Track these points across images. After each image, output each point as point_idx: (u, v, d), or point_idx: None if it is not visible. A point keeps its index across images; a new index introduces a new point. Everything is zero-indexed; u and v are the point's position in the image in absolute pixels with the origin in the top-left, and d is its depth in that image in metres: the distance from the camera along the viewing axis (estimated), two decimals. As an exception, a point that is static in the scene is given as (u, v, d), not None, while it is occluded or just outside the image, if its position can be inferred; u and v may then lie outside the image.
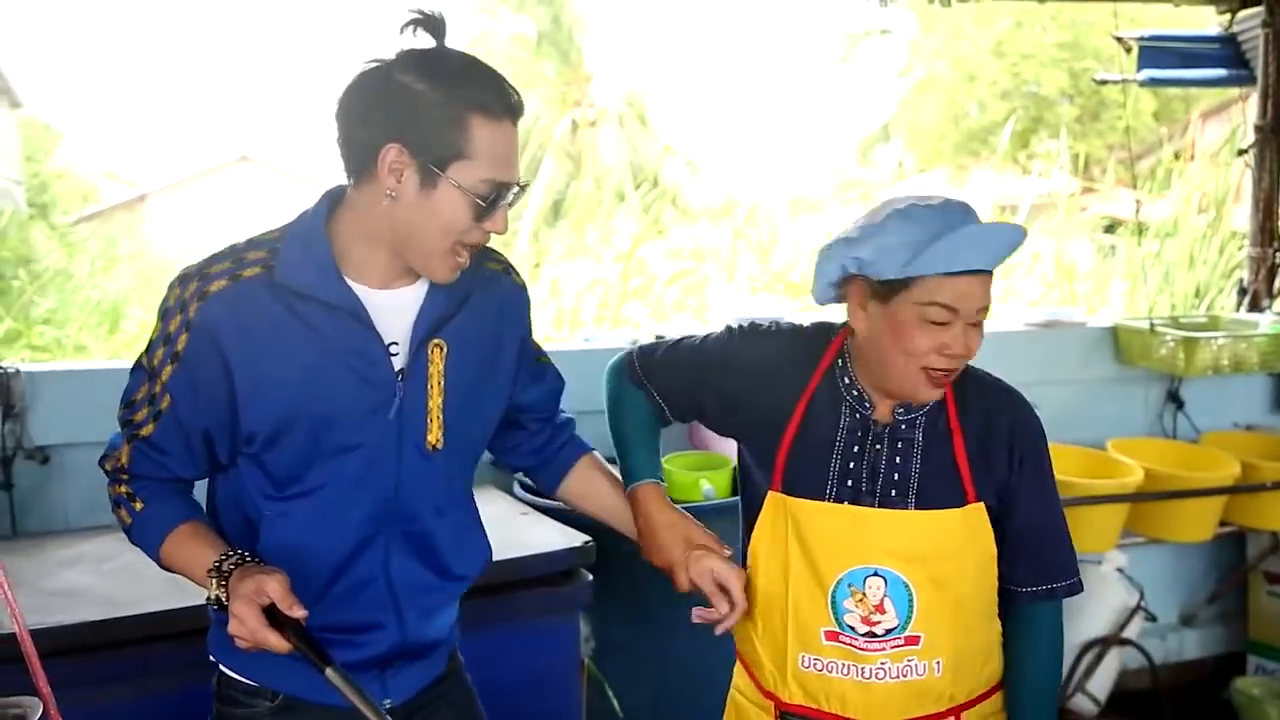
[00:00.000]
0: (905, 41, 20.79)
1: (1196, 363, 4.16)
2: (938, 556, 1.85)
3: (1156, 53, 4.41)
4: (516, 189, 1.68)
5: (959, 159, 18.47)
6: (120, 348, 7.67)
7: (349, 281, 1.70)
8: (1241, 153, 4.71)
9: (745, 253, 9.83)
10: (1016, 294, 8.78)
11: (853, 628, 1.87)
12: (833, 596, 1.87)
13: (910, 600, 1.85)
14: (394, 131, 1.61)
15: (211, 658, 1.86)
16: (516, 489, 3.45)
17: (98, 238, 12.17)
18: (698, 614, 1.91)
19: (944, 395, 1.89)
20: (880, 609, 1.85)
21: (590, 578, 2.94)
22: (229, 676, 1.83)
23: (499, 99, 1.64)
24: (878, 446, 1.88)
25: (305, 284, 1.68)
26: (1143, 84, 4.54)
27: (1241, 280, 4.84)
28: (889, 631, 1.86)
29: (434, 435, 1.77)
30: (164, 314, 1.71)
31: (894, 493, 1.86)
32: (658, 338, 3.80)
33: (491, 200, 1.64)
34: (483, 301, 1.83)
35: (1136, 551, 4.15)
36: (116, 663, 2.44)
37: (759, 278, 9.44)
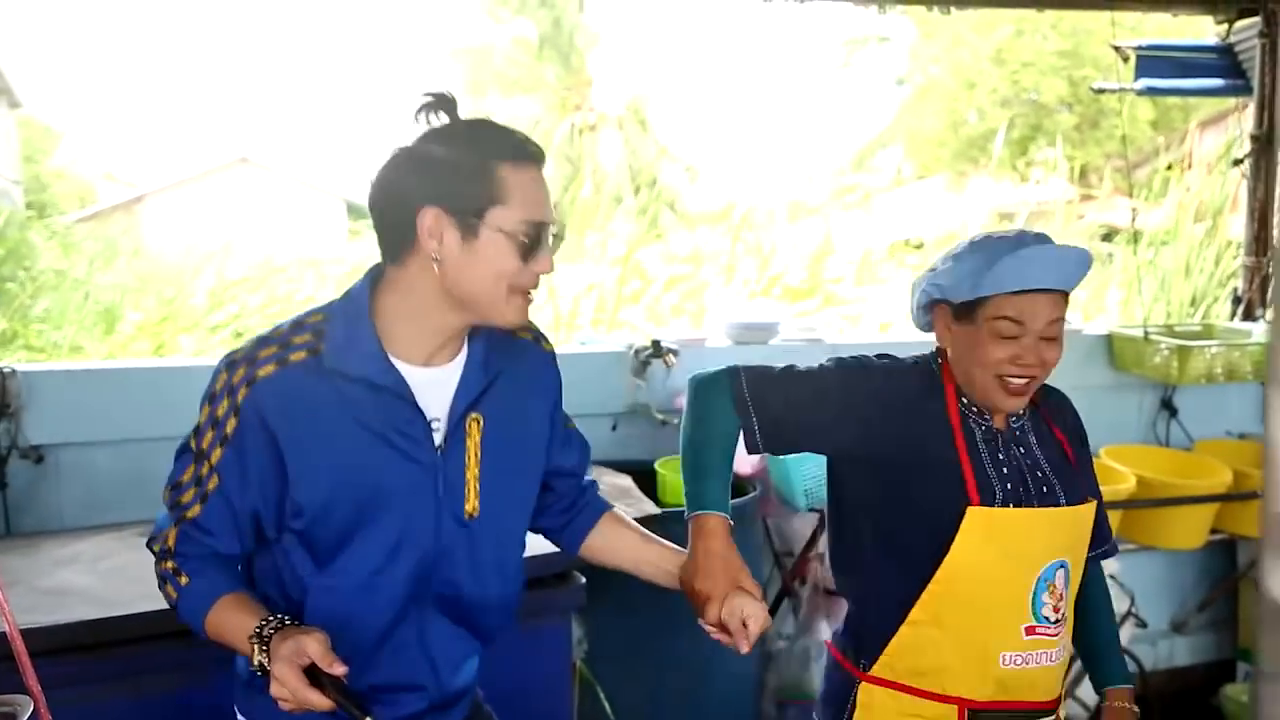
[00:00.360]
0: (905, 48, 20.83)
1: (1190, 371, 4.18)
2: (1081, 544, 2.09)
3: (1154, 62, 4.42)
4: (554, 229, 1.73)
5: (958, 165, 18.48)
6: (116, 348, 7.67)
7: (393, 360, 1.74)
8: (1237, 162, 4.72)
9: (744, 257, 9.84)
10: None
11: (1047, 618, 2.03)
12: (1034, 592, 2.02)
13: (1069, 585, 2.05)
14: (427, 196, 1.67)
15: (240, 717, 1.89)
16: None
17: (95, 238, 12.16)
18: (714, 634, 1.91)
19: (1034, 406, 2.11)
20: (1061, 597, 2.04)
21: (583, 580, 2.95)
22: None
23: (521, 146, 1.70)
24: (1009, 450, 2.07)
25: (353, 368, 1.72)
26: (1140, 93, 4.55)
27: (1236, 289, 4.85)
28: (1063, 615, 2.05)
29: (471, 505, 1.80)
30: (211, 398, 1.74)
31: (1045, 491, 2.05)
32: (654, 342, 3.85)
33: (533, 239, 1.69)
34: (516, 373, 1.87)
35: (1128, 558, 4.16)
36: (110, 662, 2.44)
37: (757, 282, 9.46)
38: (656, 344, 3.84)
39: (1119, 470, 4.05)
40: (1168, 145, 9.95)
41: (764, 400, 2.09)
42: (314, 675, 1.59)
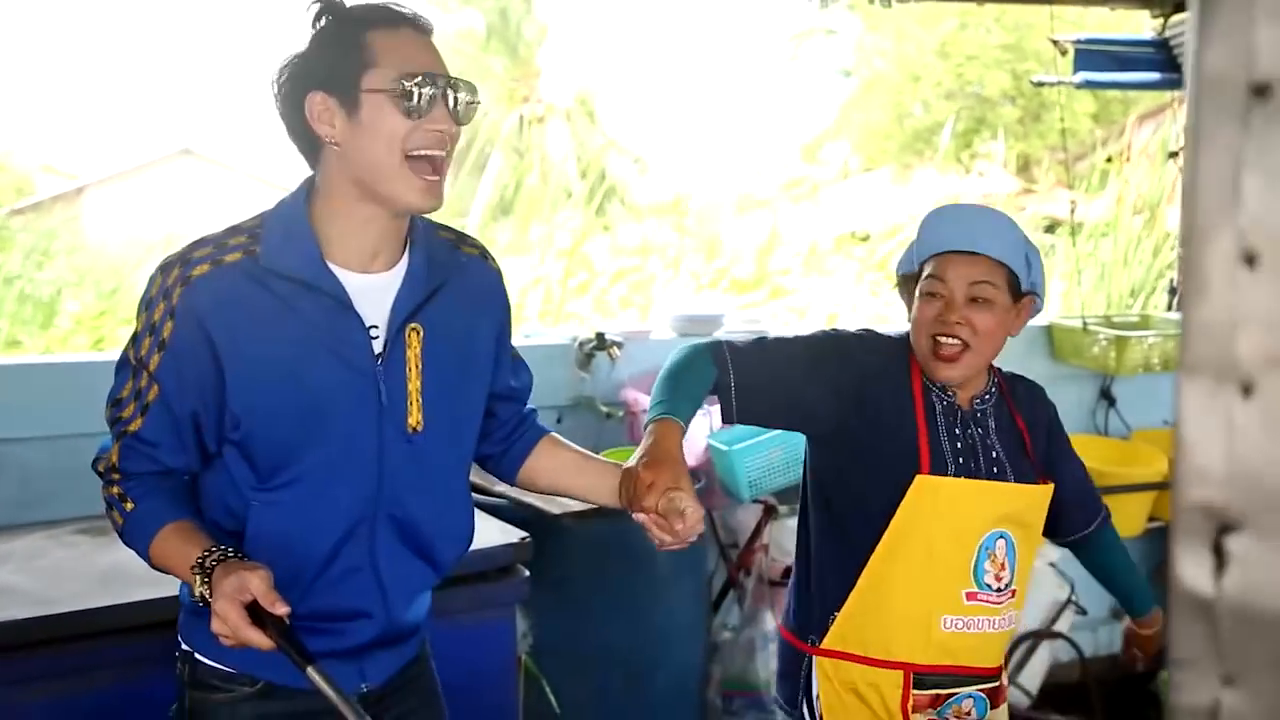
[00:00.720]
0: (851, 42, 20.93)
1: (1127, 361, 4.25)
2: (1029, 523, 2.21)
3: (1092, 55, 4.48)
4: (445, 81, 1.69)
5: (904, 158, 18.60)
6: (55, 342, 7.56)
7: (331, 265, 1.72)
8: (1173, 155, 4.80)
9: (691, 250, 9.86)
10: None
11: (989, 585, 2.16)
12: (976, 559, 2.15)
13: (1014, 558, 2.18)
14: (308, 84, 1.68)
15: (185, 646, 1.86)
16: (455, 485, 3.45)
17: (31, 231, 11.96)
18: (647, 524, 1.85)
19: (1000, 393, 2.25)
20: (1003, 566, 2.16)
21: (527, 574, 2.95)
22: (205, 664, 1.83)
23: (389, 10, 1.70)
24: (969, 428, 2.19)
25: (290, 267, 1.70)
26: (1078, 86, 4.60)
27: (1172, 280, 4.92)
28: (1005, 585, 2.17)
29: (414, 418, 1.78)
30: (147, 304, 1.71)
31: (994, 469, 2.17)
32: (598, 334, 3.85)
33: (415, 94, 1.66)
34: (459, 287, 1.85)
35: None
36: (52, 660, 2.42)
37: (705, 274, 9.47)
38: (600, 336, 3.84)
39: (1059, 459, 4.11)
40: (1106, 139, 10.08)
41: (743, 364, 2.15)
42: (256, 613, 1.57)
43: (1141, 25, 5.06)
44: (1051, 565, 4.02)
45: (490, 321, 1.92)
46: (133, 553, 1.79)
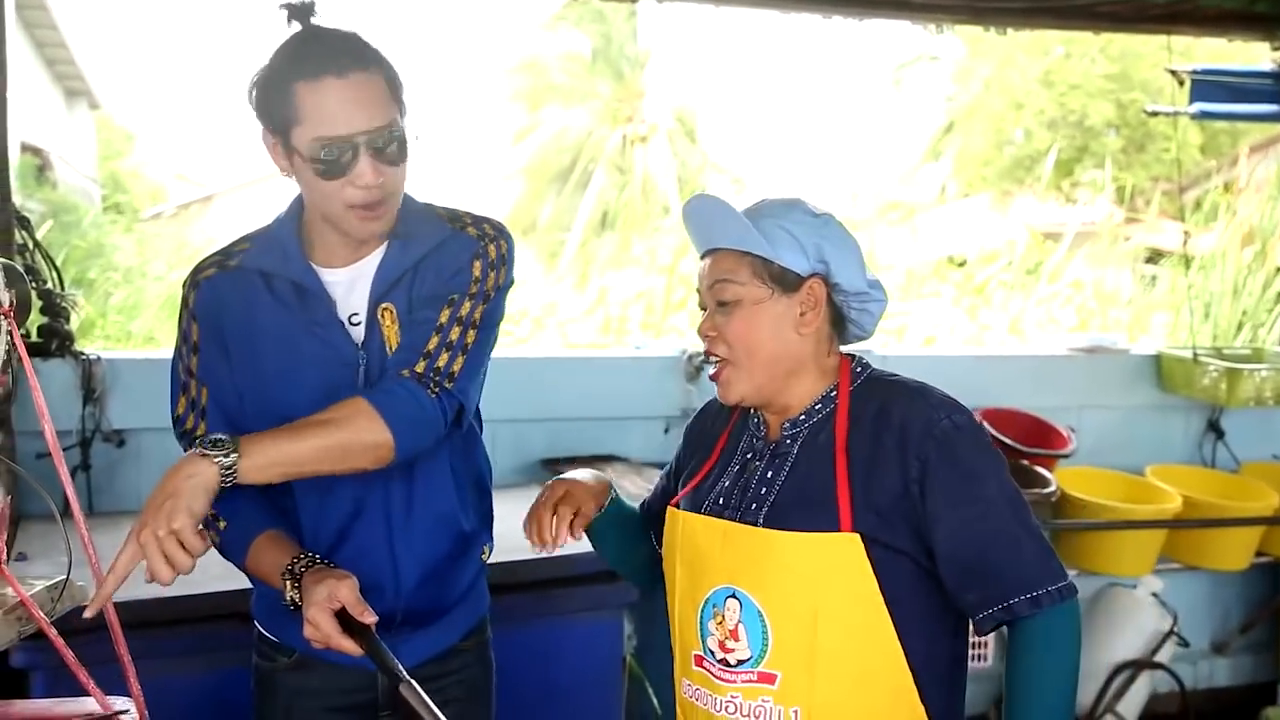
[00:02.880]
0: (954, 68, 20.80)
1: (1239, 394, 4.22)
2: (793, 586, 1.65)
3: (1208, 86, 4.45)
4: (364, 137, 1.67)
5: (1003, 185, 18.43)
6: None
7: (314, 265, 1.82)
8: (1289, 186, 4.74)
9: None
10: (1056, 321, 8.80)
11: (713, 652, 1.73)
12: (700, 615, 1.75)
13: (764, 632, 1.67)
14: (262, 119, 1.74)
15: (253, 616, 2.00)
16: (565, 488, 3.54)
17: (165, 236, 12.39)
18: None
19: (835, 405, 1.75)
20: (734, 635, 1.70)
21: (636, 577, 3.02)
22: (262, 633, 1.98)
23: (315, 58, 1.67)
24: (758, 463, 1.78)
25: (271, 265, 1.82)
26: (1194, 116, 4.58)
27: (1287, 313, 4.86)
28: (741, 663, 1.69)
29: None
30: (179, 318, 1.86)
31: (753, 507, 1.72)
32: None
33: (332, 158, 1.67)
34: (437, 261, 1.84)
35: (1172, 577, 4.19)
36: (181, 639, 2.55)
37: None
38: (710, 350, 3.91)
39: (1165, 490, 4.09)
40: (1218, 169, 9.92)
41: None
42: (345, 619, 1.64)
43: (1258, 56, 5.02)
44: (1154, 595, 4.00)
45: (448, 270, 1.84)
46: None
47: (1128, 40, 16.38)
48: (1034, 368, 4.50)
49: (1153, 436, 4.55)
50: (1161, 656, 3.99)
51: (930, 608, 1.69)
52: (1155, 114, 4.83)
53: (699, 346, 3.92)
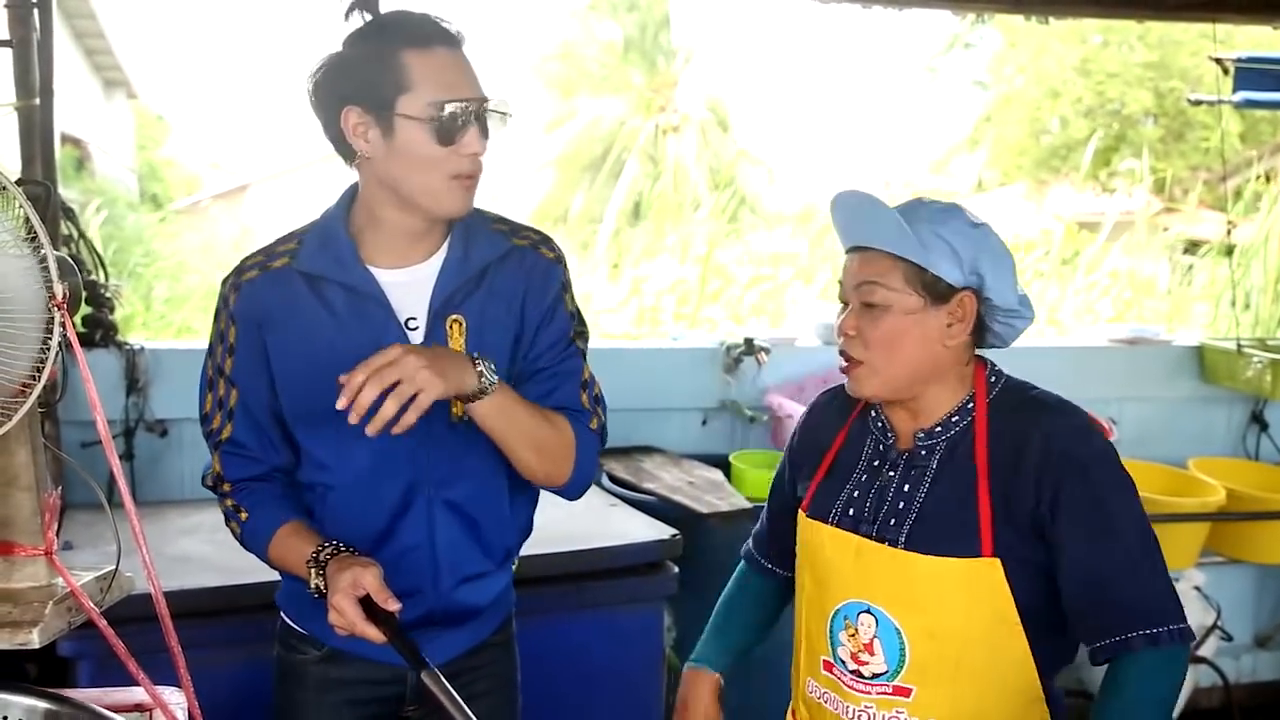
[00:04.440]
0: (989, 56, 20.66)
1: (1284, 385, 4.17)
2: (934, 607, 1.67)
3: (1254, 74, 4.39)
4: (476, 104, 1.70)
5: (1039, 174, 18.30)
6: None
7: (368, 264, 1.80)
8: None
9: (825, 261, 9.87)
10: (1093, 312, 8.74)
11: (844, 662, 1.76)
12: (830, 626, 1.77)
13: (902, 648, 1.69)
14: (345, 97, 1.70)
15: (279, 607, 2.03)
16: (605, 481, 3.55)
17: (198, 227, 12.50)
18: None
19: (973, 419, 1.74)
20: (869, 649, 1.72)
21: (676, 570, 3.02)
22: (288, 624, 2.00)
23: (423, 29, 1.69)
24: (890, 474, 1.76)
25: (323, 269, 1.80)
26: (1238, 105, 4.53)
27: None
28: (876, 676, 1.72)
29: (458, 408, 1.79)
30: (215, 316, 1.86)
31: (891, 523, 1.72)
32: (747, 340, 3.91)
33: (449, 120, 1.68)
34: (506, 277, 1.86)
35: (1215, 571, 4.17)
36: (225, 629, 2.59)
37: (835, 285, 9.42)
38: (749, 342, 3.91)
39: (1208, 483, 4.06)
40: (1259, 157, 9.80)
41: (760, 540, 2.08)
42: (370, 607, 1.65)
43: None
44: (1196, 589, 3.97)
45: (538, 306, 1.89)
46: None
47: (1166, 28, 16.22)
48: (1074, 359, 4.47)
49: (1195, 428, 4.52)
50: (1204, 650, 3.97)
51: (1056, 611, 1.70)
52: (1199, 103, 4.79)
53: (737, 338, 3.97)
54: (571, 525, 2.98)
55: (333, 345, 1.78)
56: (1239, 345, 4.31)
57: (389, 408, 1.60)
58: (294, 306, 1.81)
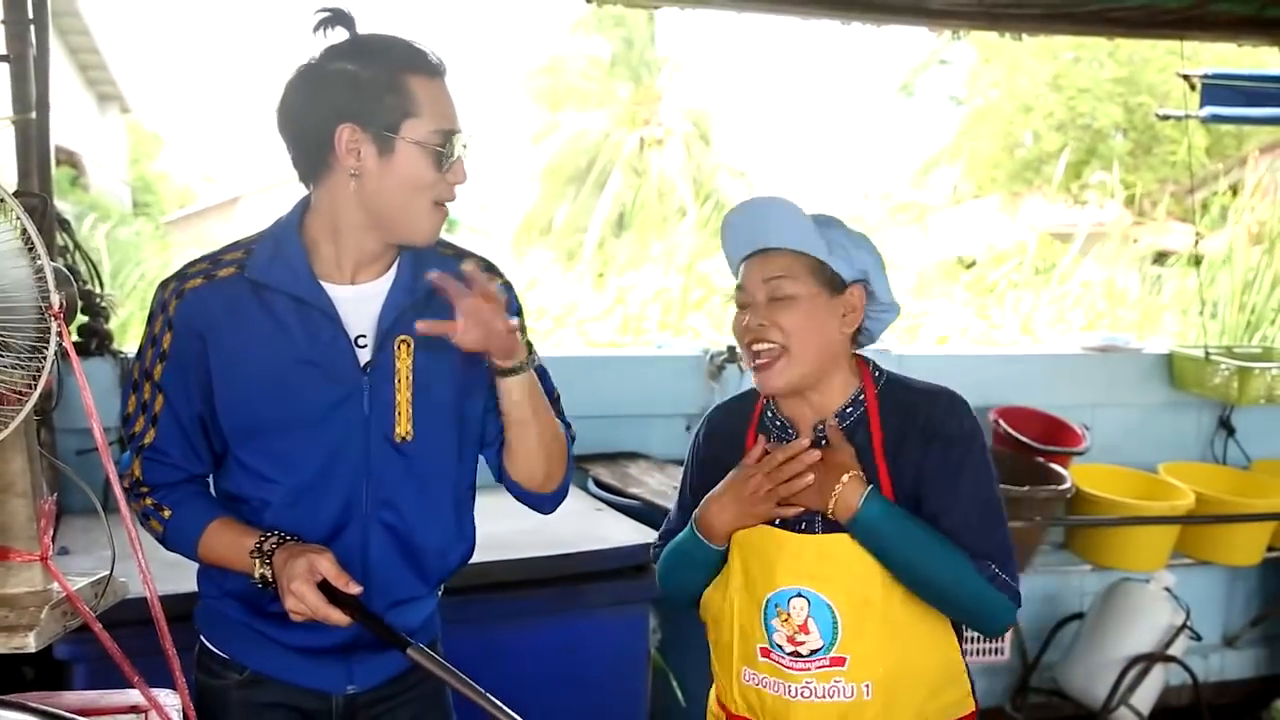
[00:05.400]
0: (963, 72, 20.85)
1: (1250, 391, 4.27)
2: (857, 578, 1.84)
3: (1220, 90, 4.48)
4: (467, 138, 1.75)
5: (1013, 187, 18.47)
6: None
7: (319, 279, 1.78)
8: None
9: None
10: (1065, 321, 8.84)
11: (780, 646, 1.88)
12: (764, 615, 1.89)
13: (834, 621, 1.84)
14: (342, 113, 1.69)
15: (197, 629, 1.95)
16: (590, 485, 3.60)
17: (194, 239, 12.48)
18: None
19: (866, 408, 1.91)
20: (804, 629, 1.86)
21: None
22: (208, 648, 1.93)
23: (426, 58, 1.73)
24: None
25: (276, 280, 1.77)
26: (1205, 120, 4.62)
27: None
28: (814, 652, 1.86)
29: (402, 428, 1.80)
30: (149, 319, 1.82)
31: (805, 512, 1.87)
32: (730, 348, 3.98)
33: (447, 149, 1.72)
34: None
35: (1184, 572, 4.24)
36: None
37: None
38: (732, 350, 3.98)
39: (1177, 486, 4.15)
40: (1226, 171, 9.94)
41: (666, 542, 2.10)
42: (328, 592, 1.65)
43: (1264, 61, 5.05)
44: (1167, 590, 4.04)
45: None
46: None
47: (1135, 45, 16.43)
48: (1048, 367, 4.55)
49: (1165, 434, 4.61)
50: (1174, 650, 4.03)
51: None
52: (1166, 118, 4.88)
53: (720, 345, 4.02)
54: (558, 529, 3.02)
55: (278, 357, 1.76)
56: (1207, 353, 4.41)
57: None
58: (240, 317, 1.77)
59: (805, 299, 1.85)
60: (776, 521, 1.90)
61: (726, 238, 1.96)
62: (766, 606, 1.89)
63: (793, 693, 1.88)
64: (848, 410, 1.92)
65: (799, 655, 1.87)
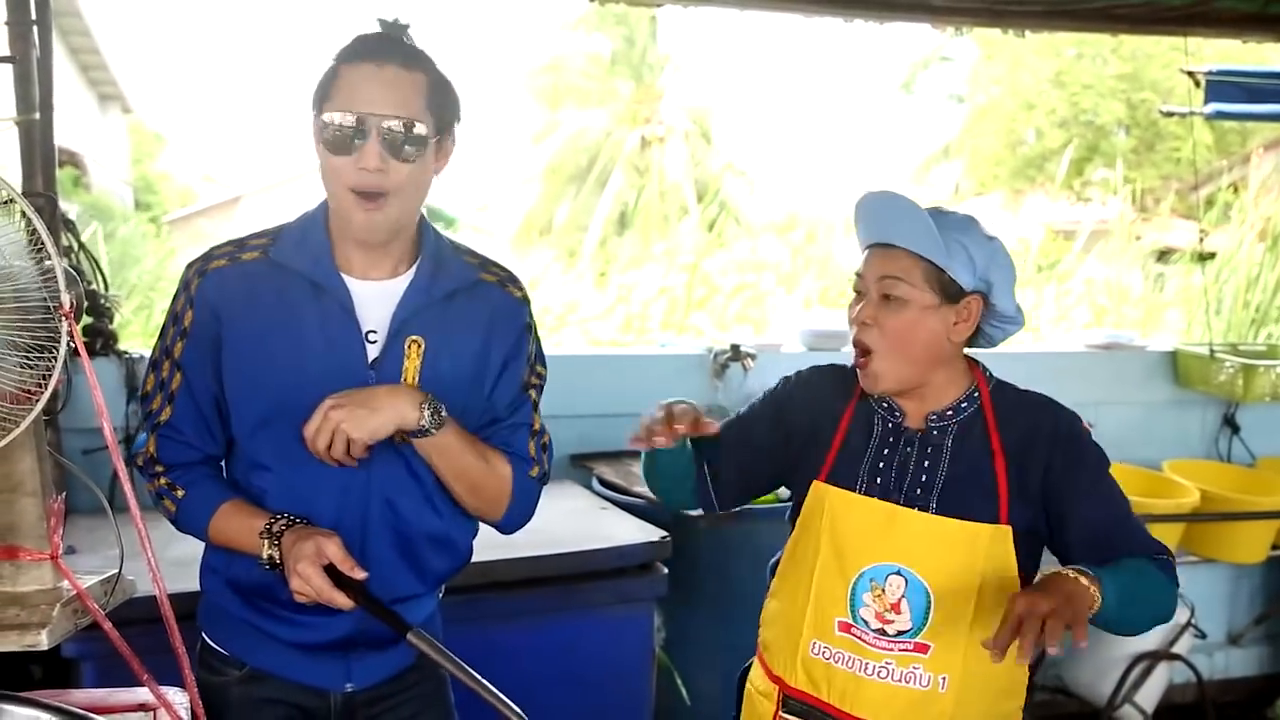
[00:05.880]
0: (966, 69, 20.83)
1: (1254, 389, 4.27)
2: (959, 567, 1.85)
3: (1224, 87, 4.49)
4: (373, 120, 1.68)
5: (1015, 184, 18.46)
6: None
7: (339, 270, 1.80)
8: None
9: (806, 269, 9.95)
10: (1069, 319, 8.84)
11: (866, 622, 1.89)
12: (853, 588, 1.90)
13: (928, 606, 1.86)
14: (312, 106, 1.75)
15: (199, 626, 1.96)
16: (595, 484, 3.60)
17: (195, 237, 12.49)
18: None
19: (981, 406, 1.93)
20: (896, 608, 1.87)
21: (665, 571, 3.06)
22: (210, 645, 1.94)
23: (363, 45, 1.72)
24: (908, 449, 1.93)
25: (298, 264, 1.79)
26: (1209, 117, 4.62)
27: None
28: (900, 633, 1.87)
29: (399, 436, 1.78)
30: (174, 298, 1.84)
31: (919, 492, 1.89)
32: (733, 346, 3.98)
33: (337, 132, 1.68)
34: (470, 308, 1.86)
35: (1189, 570, 4.21)
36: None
37: (817, 292, 9.53)
38: (736, 348, 3.98)
39: (1182, 484, 4.15)
40: (1229, 167, 9.93)
41: (712, 456, 2.08)
42: (334, 576, 1.66)
43: (1267, 57, 5.05)
44: (1172, 588, 4.04)
45: (501, 346, 1.90)
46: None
47: (1139, 41, 16.39)
48: (1052, 364, 4.54)
49: (1169, 432, 4.61)
50: (1179, 648, 4.04)
51: (1033, 572, 1.93)
52: (1170, 114, 4.87)
53: (723, 344, 4.02)
54: (563, 528, 3.03)
55: (289, 341, 1.78)
56: (1212, 350, 4.41)
57: (331, 460, 1.69)
58: (257, 301, 1.78)
59: (915, 305, 1.86)
60: (873, 494, 1.91)
61: (856, 221, 1.96)
62: (859, 579, 1.90)
63: (869, 670, 1.89)
64: (962, 406, 1.94)
65: (884, 634, 1.88)
